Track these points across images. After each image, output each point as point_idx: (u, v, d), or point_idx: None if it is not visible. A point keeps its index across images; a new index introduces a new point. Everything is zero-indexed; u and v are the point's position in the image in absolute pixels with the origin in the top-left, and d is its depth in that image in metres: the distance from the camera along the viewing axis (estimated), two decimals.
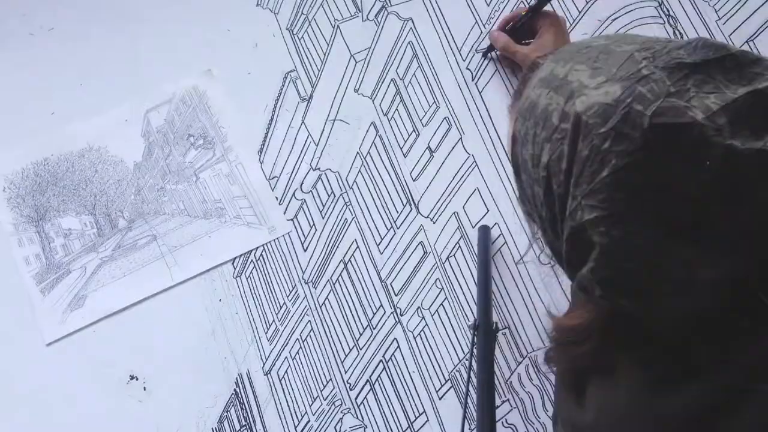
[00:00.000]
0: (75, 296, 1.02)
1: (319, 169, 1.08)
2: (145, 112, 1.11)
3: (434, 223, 1.03)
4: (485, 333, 0.85)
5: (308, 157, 1.08)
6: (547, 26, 0.98)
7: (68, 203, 1.08)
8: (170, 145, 1.10)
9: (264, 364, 0.98)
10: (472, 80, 1.11)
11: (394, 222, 1.04)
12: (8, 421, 0.96)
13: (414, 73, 1.12)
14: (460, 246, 1.01)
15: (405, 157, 1.07)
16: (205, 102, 1.11)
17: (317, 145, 1.09)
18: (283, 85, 1.12)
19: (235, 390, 0.96)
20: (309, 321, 0.99)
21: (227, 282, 1.02)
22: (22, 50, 1.14)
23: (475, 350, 0.85)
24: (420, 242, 1.02)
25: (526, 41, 1.02)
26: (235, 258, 1.03)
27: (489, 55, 1.09)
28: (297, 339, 0.99)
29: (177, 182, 1.08)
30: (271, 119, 1.11)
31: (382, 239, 1.03)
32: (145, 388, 0.97)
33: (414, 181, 1.06)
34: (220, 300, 1.00)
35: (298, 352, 0.98)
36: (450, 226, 1.02)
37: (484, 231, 0.99)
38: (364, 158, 1.07)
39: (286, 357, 0.98)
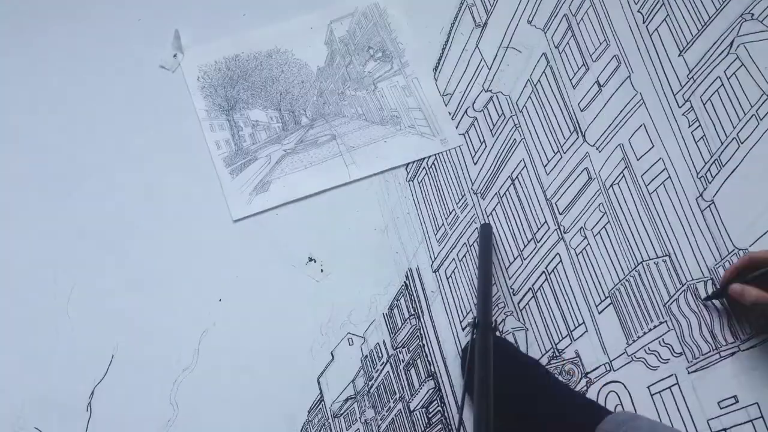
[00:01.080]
0: (260, 181, 1.04)
1: (491, 91, 1.08)
2: (329, 22, 1.12)
3: (600, 152, 1.03)
4: (484, 330, 0.85)
5: (480, 79, 1.09)
6: None
7: (256, 97, 1.09)
8: (351, 55, 1.11)
9: (432, 263, 0.99)
10: (643, 23, 1.09)
11: (561, 147, 1.04)
12: (196, 286, 0.99)
13: (586, 11, 1.11)
14: (624, 176, 1.02)
15: (574, 88, 1.07)
16: (384, 18, 1.12)
17: (489, 69, 1.09)
18: (459, 10, 1.12)
19: (405, 282, 0.98)
20: (476, 228, 1.00)
21: (400, 185, 1.03)
22: None
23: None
24: (585, 168, 1.03)
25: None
26: (408, 163, 1.04)
27: (711, 303, 0.95)
28: (464, 243, 1.00)
29: (356, 89, 1.09)
30: (447, 40, 1.11)
31: (549, 161, 1.03)
32: (322, 270, 0.99)
33: (582, 111, 1.06)
34: (393, 200, 1.02)
35: (465, 255, 0.99)
36: (615, 156, 1.03)
37: (485, 229, 0.99)
38: (534, 85, 1.07)
39: (453, 258, 0.99)
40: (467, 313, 0.98)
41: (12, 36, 1.13)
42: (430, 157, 1.07)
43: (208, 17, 1.13)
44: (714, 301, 0.94)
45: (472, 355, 0.85)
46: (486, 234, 0.99)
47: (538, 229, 1.01)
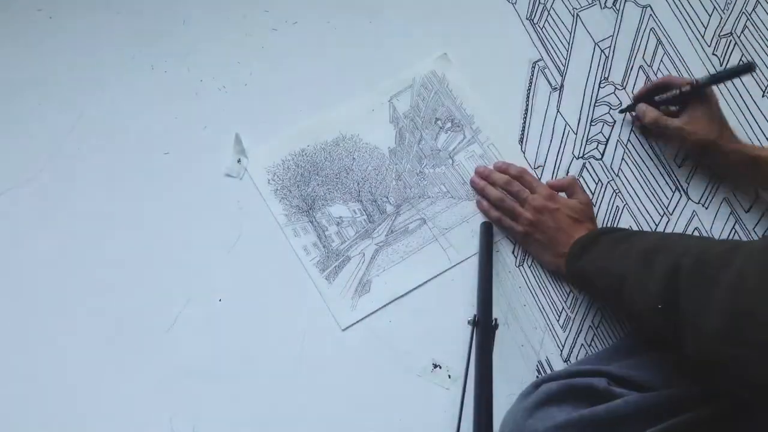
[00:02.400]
0: (360, 282, 0.97)
1: (582, 157, 1.00)
2: (389, 99, 1.04)
3: (706, 209, 0.96)
4: (484, 328, 0.82)
5: (569, 146, 1.01)
6: (697, 97, 0.91)
7: (333, 192, 1.00)
8: (420, 130, 1.03)
9: (561, 352, 0.92)
10: (720, 65, 1.03)
11: (666, 208, 0.97)
12: (314, 404, 0.90)
13: (662, 60, 1.04)
14: (736, 231, 0.95)
15: (666, 143, 1.00)
16: (445, 86, 1.05)
17: (576, 134, 1.01)
18: (532, 75, 1.03)
19: (537, 376, 0.90)
20: (599, 308, 0.93)
21: (510, 273, 0.95)
22: (267, 47, 1.03)
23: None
24: (696, 228, 0.96)
25: (666, 107, 0.97)
26: (513, 248, 0.96)
27: (626, 114, 1.02)
28: (590, 326, 0.93)
29: (434, 166, 1.03)
30: (526, 109, 1.02)
31: (656, 226, 0.97)
32: (449, 376, 0.91)
33: (679, 167, 0.99)
34: (507, 289, 0.94)
35: (593, 339, 0.93)
36: (723, 212, 0.96)
37: (487, 227, 0.95)
38: (625, 146, 1.00)
39: (581, 344, 0.93)
40: None
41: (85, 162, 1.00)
42: None
43: (262, 114, 1.02)
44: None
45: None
46: (487, 231, 0.94)
47: None
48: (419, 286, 0.97)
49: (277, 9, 1.05)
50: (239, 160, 1.02)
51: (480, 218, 1.01)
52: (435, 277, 0.98)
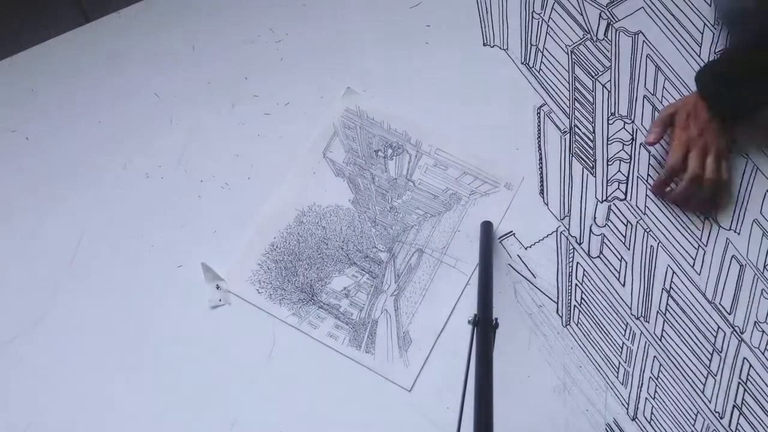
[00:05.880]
0: (398, 338, 0.89)
1: (606, 200, 0.91)
2: (323, 155, 0.95)
3: (739, 234, 0.89)
4: (484, 327, 0.76)
5: (591, 191, 0.92)
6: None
7: (324, 268, 0.92)
8: (367, 169, 0.95)
9: (627, 410, 0.83)
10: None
11: (700, 240, 0.89)
12: None
13: (663, 86, 0.96)
14: None
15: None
16: (365, 117, 0.97)
17: (595, 177, 0.92)
18: (539, 121, 0.94)
19: None
20: (655, 357, 0.85)
21: (559, 334, 0.86)
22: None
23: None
24: (732, 256, 0.89)
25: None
26: (557, 305, 0.87)
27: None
28: (650, 377, 0.85)
29: (400, 195, 0.95)
30: (540, 158, 0.93)
31: (694, 260, 0.89)
32: None
33: None
34: (558, 353, 0.85)
35: (656, 391, 0.84)
36: (755, 234, 0.89)
37: (487, 226, 0.91)
38: (647, 181, 0.92)
39: (646, 398, 0.84)
40: None
41: None
42: (575, 291, 0.89)
43: (215, 228, 0.93)
44: None
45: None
46: (487, 230, 0.88)
47: (715, 337, 0.87)
48: (453, 311, 0.89)
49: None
50: (218, 287, 0.90)
51: (468, 220, 0.93)
52: (461, 295, 0.90)
